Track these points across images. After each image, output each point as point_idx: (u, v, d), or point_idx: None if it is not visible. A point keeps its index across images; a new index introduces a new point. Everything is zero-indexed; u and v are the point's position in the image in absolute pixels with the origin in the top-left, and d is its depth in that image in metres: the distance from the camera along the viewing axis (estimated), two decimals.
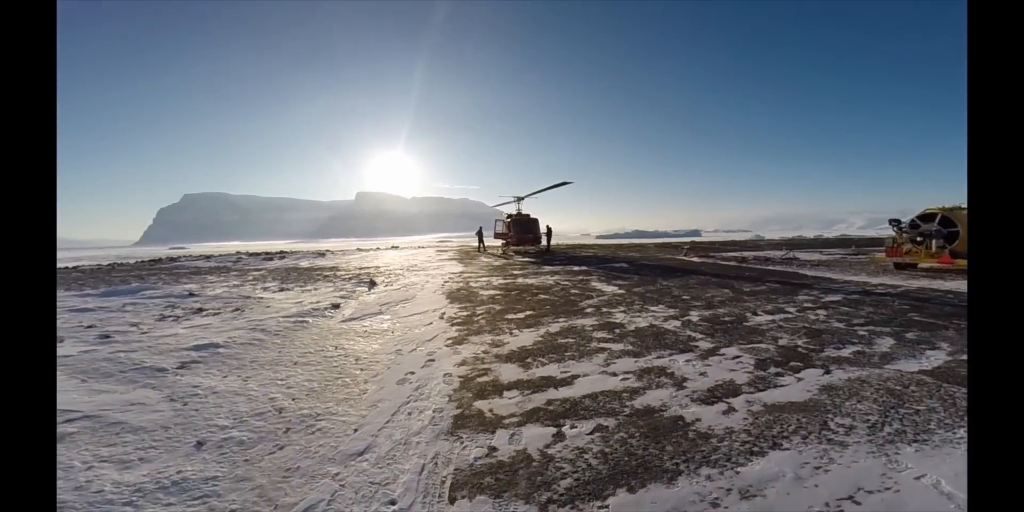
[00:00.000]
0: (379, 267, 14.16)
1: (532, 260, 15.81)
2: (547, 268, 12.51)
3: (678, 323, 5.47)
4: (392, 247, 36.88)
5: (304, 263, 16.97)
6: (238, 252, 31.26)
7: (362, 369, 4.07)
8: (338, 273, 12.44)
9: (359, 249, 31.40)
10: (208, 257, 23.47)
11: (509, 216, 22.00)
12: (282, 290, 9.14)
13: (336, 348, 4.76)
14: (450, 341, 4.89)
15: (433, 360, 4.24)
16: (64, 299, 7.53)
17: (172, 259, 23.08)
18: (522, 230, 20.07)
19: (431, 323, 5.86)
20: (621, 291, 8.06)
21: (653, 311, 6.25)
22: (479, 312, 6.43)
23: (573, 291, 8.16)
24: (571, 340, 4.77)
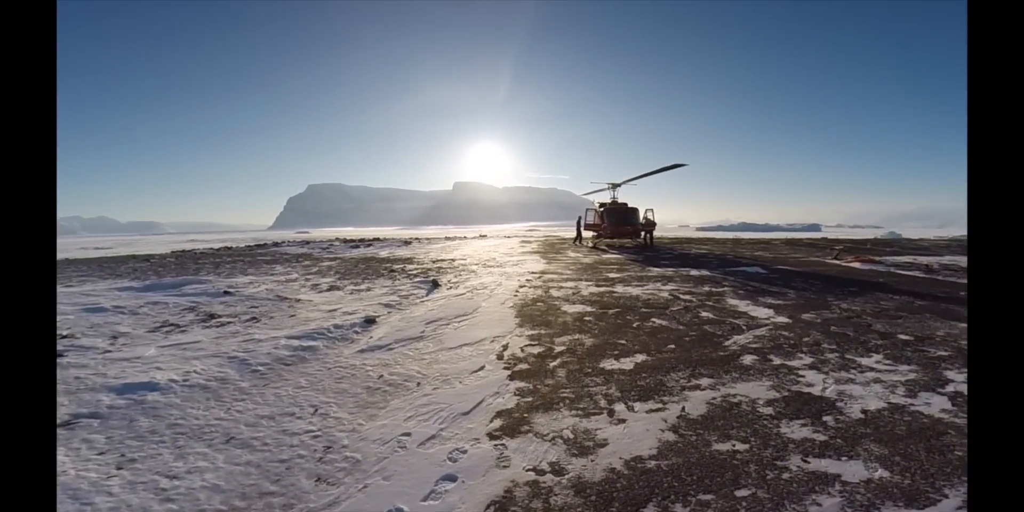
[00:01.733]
0: (454, 260, 12.52)
1: (632, 257, 13.05)
2: (654, 270, 9.78)
3: (944, 402, 2.72)
4: (480, 236, 35.98)
5: (384, 252, 16.07)
6: (337, 238, 32.60)
7: (316, 485, 2.05)
8: (408, 267, 10.98)
9: (447, 238, 30.77)
10: (306, 243, 24.18)
11: (602, 205, 19.19)
12: (331, 289, 7.75)
13: (313, 413, 2.85)
14: (497, 427, 2.71)
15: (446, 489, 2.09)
16: (99, 294, 6.79)
17: (276, 244, 24.07)
18: (617, 221, 17.15)
19: (481, 368, 3.75)
20: (784, 318, 5.24)
21: (866, 365, 3.51)
22: (558, 349, 4.17)
23: (705, 314, 5.52)
24: (742, 448, 2.32)
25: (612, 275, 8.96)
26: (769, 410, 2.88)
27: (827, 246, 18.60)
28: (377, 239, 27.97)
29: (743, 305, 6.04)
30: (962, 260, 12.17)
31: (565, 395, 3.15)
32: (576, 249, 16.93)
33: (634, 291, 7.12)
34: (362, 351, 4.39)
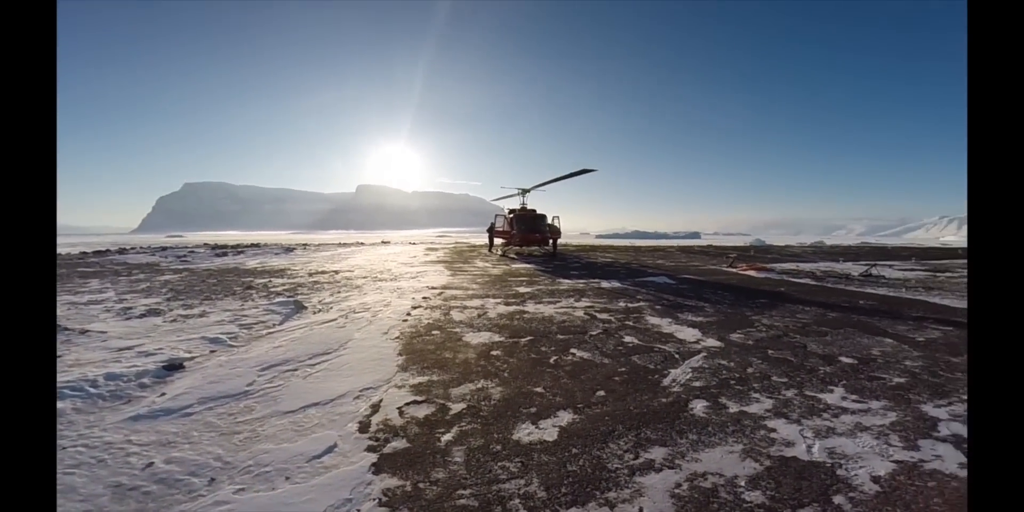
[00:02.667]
0: (337, 273, 10.63)
1: (541, 268, 12.30)
2: (565, 283, 9.01)
3: (952, 451, 1.98)
4: (382, 242, 33.37)
5: (253, 262, 13.44)
6: (206, 244, 27.83)
7: None
8: (273, 282, 8.92)
9: (342, 244, 27.84)
10: (163, 249, 19.94)
11: (511, 211, 18.45)
12: (148, 314, 5.64)
13: None
14: None
15: None
16: None
17: (122, 250, 19.39)
18: (526, 228, 16.46)
19: (329, 449, 2.38)
20: (714, 340, 4.59)
21: (834, 405, 2.85)
22: (455, 408, 2.93)
23: (628, 339, 4.67)
24: None
25: (522, 289, 7.96)
26: (759, 497, 1.94)
27: (717, 254, 19.89)
28: (255, 245, 24.21)
29: (666, 324, 5.36)
30: (836, 266, 13.44)
31: (464, 506, 1.91)
32: (485, 258, 15.86)
33: (547, 310, 6.15)
34: (137, 418, 2.75)
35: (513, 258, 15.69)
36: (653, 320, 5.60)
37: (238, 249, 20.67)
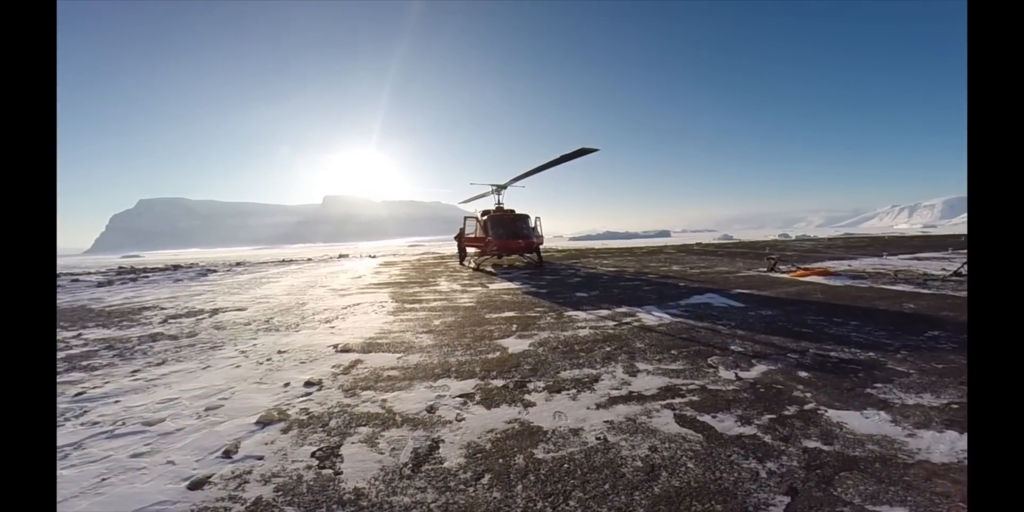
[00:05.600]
0: (220, 311, 6.77)
1: (531, 287, 8.79)
2: (580, 318, 5.52)
3: None
4: (339, 256, 29.12)
5: (115, 298, 9.34)
6: (120, 267, 23.05)
7: None
8: (88, 337, 5.05)
9: (285, 261, 23.57)
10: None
11: (485, 213, 14.89)
12: None
13: None
14: None
15: None
16: None
17: None
18: (506, 233, 12.87)
19: None
20: None
21: None
22: None
23: None
24: None
25: (512, 344, 4.38)
26: None
27: (728, 253, 16.88)
28: (175, 267, 19.64)
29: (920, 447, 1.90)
30: (892, 263, 10.36)
31: None
32: (454, 274, 12.19)
33: (589, 420, 2.61)
34: None
35: (491, 272, 12.07)
36: (860, 430, 2.16)
37: (143, 272, 16.33)
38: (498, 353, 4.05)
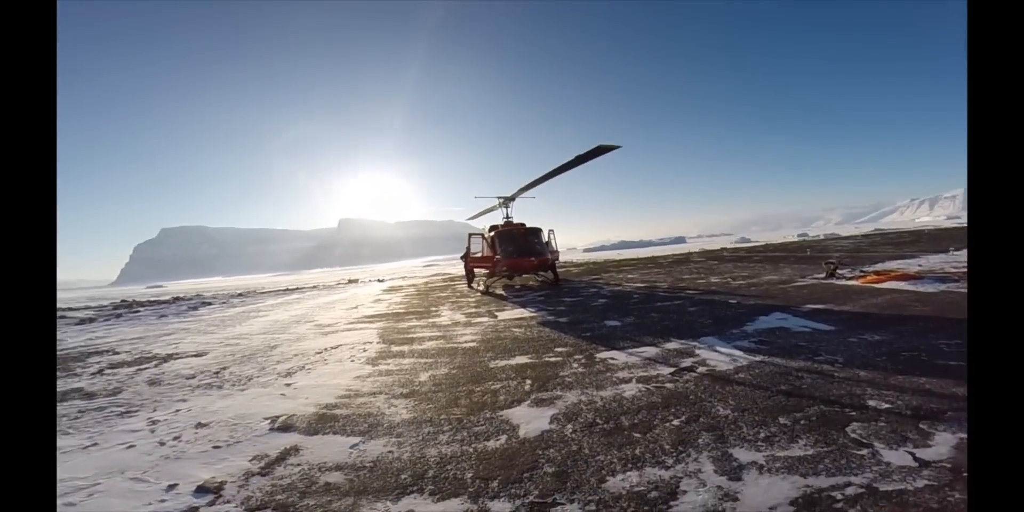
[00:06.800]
0: (171, 357, 5.52)
1: (548, 312, 7.40)
2: (619, 360, 4.09)
3: None
4: (348, 281, 28.13)
5: (77, 340, 8.18)
6: (121, 300, 22.36)
7: None
8: None
9: (291, 289, 22.59)
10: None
11: (493, 228, 13.60)
12: None
13: None
14: None
15: None
16: None
17: None
18: (516, 249, 11.49)
19: None
20: None
21: None
22: None
23: None
24: None
25: (526, 416, 2.96)
26: None
27: (763, 259, 15.21)
28: (177, 299, 18.71)
29: None
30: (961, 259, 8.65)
31: None
32: (460, 299, 10.85)
33: None
34: None
35: (501, 295, 10.68)
36: None
37: (136, 306, 15.40)
38: (503, 438, 2.65)
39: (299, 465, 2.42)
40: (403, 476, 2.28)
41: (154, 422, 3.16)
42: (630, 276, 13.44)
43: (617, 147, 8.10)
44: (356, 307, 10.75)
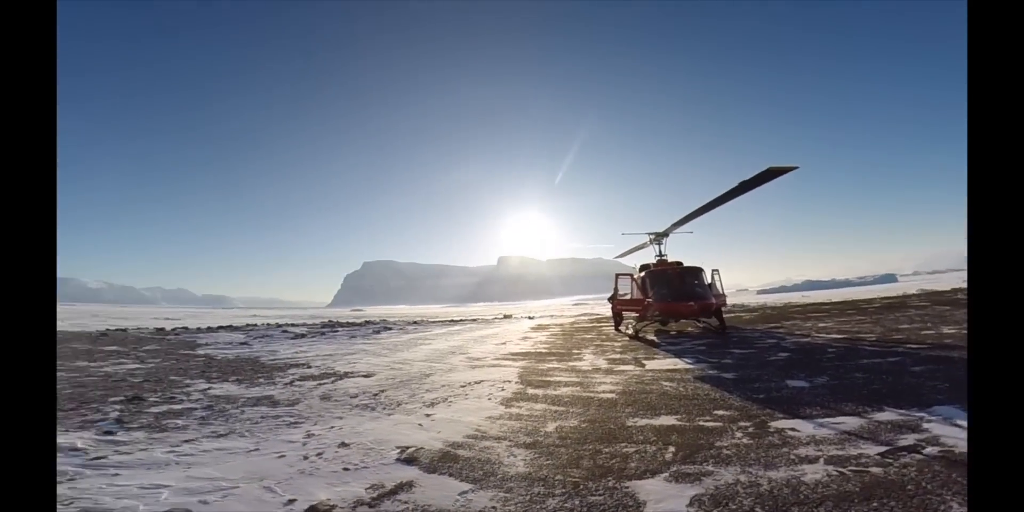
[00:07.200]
0: (350, 375, 6.33)
1: (707, 367, 6.39)
2: (802, 433, 3.16)
3: None
4: (504, 316, 29.75)
5: (287, 352, 10.14)
6: (327, 321, 27.60)
7: None
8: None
9: (455, 321, 24.84)
10: (245, 328, 18.85)
11: (644, 268, 12.76)
12: None
13: None
14: None
15: None
16: None
17: (174, 332, 18.43)
18: (671, 293, 10.36)
19: None
20: None
21: None
22: None
23: None
24: None
25: (660, 492, 2.39)
26: None
27: None
28: (369, 322, 22.28)
29: None
30: None
31: None
32: (605, 344, 10.30)
33: None
34: None
35: (652, 342, 9.74)
36: None
37: (337, 326, 18.75)
38: None
39: (406, 503, 2.37)
40: None
41: (310, 436, 3.57)
42: (821, 324, 10.97)
43: (793, 168, 6.86)
44: (504, 343, 11.06)
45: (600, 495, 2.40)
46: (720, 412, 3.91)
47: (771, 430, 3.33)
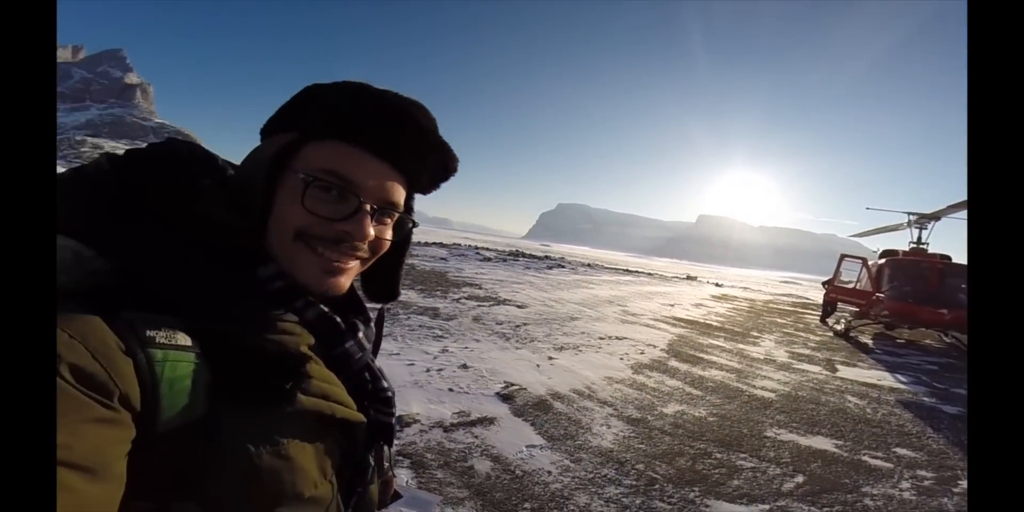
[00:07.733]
0: (507, 302, 6.90)
1: (927, 390, 4.75)
2: None
3: None
4: (687, 277, 27.64)
5: (467, 272, 11.56)
6: (512, 251, 30.33)
7: None
8: None
9: (631, 271, 24.22)
10: (451, 246, 21.89)
11: (887, 254, 9.72)
12: None
13: None
14: None
15: None
16: None
17: (519, 253, 22.27)
18: (917, 291, 7.67)
19: None
20: None
21: None
22: None
23: None
24: None
25: None
26: None
27: None
28: (522, 255, 23.70)
29: None
30: None
31: None
32: (799, 336, 8.59)
33: None
34: None
35: (863, 345, 7.66)
36: None
37: (519, 256, 20.40)
38: None
39: (475, 438, 2.49)
40: (524, 506, 1.93)
41: (444, 351, 4.05)
42: None
43: None
44: (672, 305, 10.32)
45: (669, 503, 2.08)
46: (901, 451, 2.89)
47: (956, 491, 2.31)
